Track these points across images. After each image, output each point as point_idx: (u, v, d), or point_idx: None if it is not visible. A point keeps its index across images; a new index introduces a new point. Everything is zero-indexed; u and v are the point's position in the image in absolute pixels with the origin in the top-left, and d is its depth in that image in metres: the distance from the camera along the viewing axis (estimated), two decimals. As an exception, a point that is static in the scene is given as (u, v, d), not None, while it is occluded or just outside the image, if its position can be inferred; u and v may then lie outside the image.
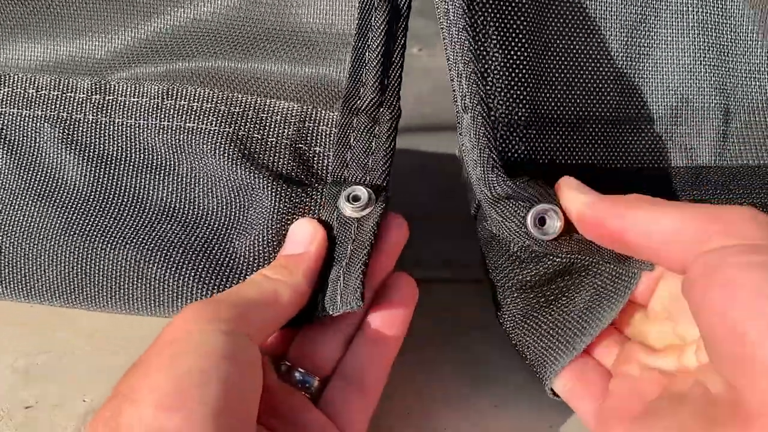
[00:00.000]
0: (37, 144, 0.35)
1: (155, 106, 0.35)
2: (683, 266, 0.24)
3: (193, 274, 0.31)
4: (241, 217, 0.32)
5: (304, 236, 0.30)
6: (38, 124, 0.35)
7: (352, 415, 0.28)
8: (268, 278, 0.28)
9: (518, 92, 0.32)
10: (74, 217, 0.33)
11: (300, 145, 0.34)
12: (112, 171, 0.34)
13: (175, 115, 0.34)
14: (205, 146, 0.34)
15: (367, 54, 0.32)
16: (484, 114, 0.30)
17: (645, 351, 0.28)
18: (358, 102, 0.33)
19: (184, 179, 0.34)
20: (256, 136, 0.34)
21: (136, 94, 0.35)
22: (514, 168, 0.31)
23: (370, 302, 0.31)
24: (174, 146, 0.34)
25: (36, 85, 0.36)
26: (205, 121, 0.34)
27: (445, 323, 0.37)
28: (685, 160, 0.35)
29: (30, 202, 0.34)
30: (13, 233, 0.33)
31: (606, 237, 0.27)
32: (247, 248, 0.32)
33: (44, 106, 0.36)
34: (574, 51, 0.34)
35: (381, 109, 0.33)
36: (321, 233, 0.30)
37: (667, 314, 0.28)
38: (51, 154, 0.35)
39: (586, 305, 0.30)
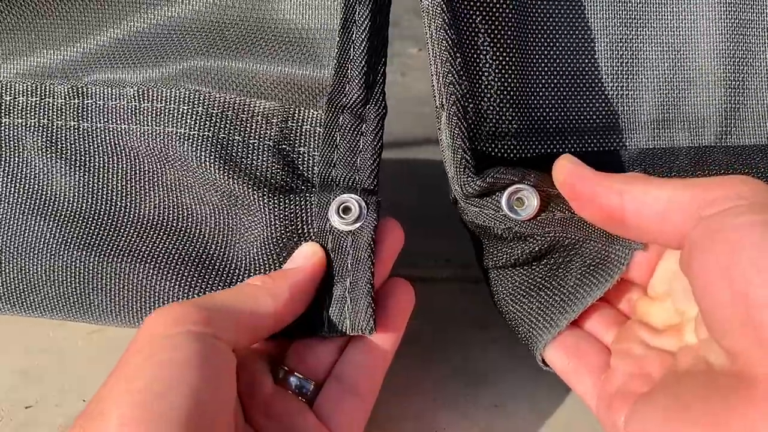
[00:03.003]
0: (21, 154, 0.34)
1: (133, 108, 0.34)
2: (680, 239, 0.24)
3: (190, 284, 0.31)
4: (234, 224, 0.32)
5: (303, 255, 0.30)
6: (19, 132, 0.34)
7: (346, 419, 0.28)
8: (249, 284, 0.28)
9: (499, 98, 0.32)
10: (66, 230, 0.32)
11: (283, 146, 0.33)
12: (100, 180, 0.34)
13: (154, 119, 0.33)
14: (187, 152, 0.33)
15: (351, 50, 0.31)
16: (459, 115, 0.30)
17: (647, 330, 0.28)
18: (344, 99, 0.32)
19: (172, 186, 0.33)
20: (236, 138, 0.33)
21: (114, 96, 0.34)
22: (492, 162, 0.31)
23: None
24: (158, 152, 0.33)
25: (12, 92, 0.35)
26: (183, 125, 0.33)
27: (444, 323, 0.37)
28: (688, 140, 0.35)
29: (20, 215, 0.33)
30: (6, 247, 0.32)
31: (599, 214, 0.27)
32: (246, 259, 0.31)
33: (24, 113, 0.34)
34: (562, 42, 0.33)
35: (367, 107, 0.32)
36: (320, 254, 0.30)
37: (668, 292, 0.28)
38: (37, 164, 0.34)
39: (575, 284, 0.30)
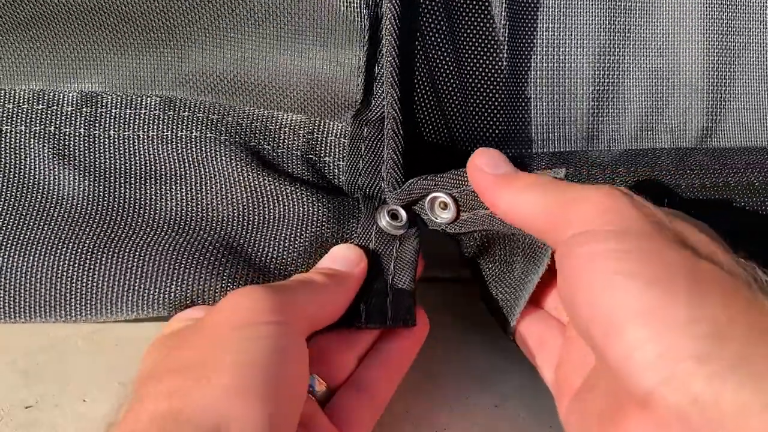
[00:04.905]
0: (25, 161, 0.34)
1: (155, 117, 0.34)
2: (552, 243, 0.26)
3: (211, 268, 0.31)
4: (264, 220, 0.32)
5: (349, 258, 0.31)
6: (22, 140, 0.34)
7: (359, 422, 0.29)
8: (315, 281, 0.29)
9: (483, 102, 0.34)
10: (76, 233, 0.32)
11: (310, 156, 0.34)
12: (112, 184, 0.34)
13: (178, 126, 0.34)
14: (216, 154, 0.33)
15: (376, 69, 0.33)
16: (395, 128, 0.31)
17: None
18: (369, 114, 0.33)
19: (194, 187, 0.33)
20: (266, 147, 0.34)
21: (132, 106, 0.34)
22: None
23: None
24: (180, 155, 0.34)
25: (16, 100, 0.35)
26: (213, 130, 0.34)
27: (445, 323, 0.37)
28: (670, 143, 0.36)
29: (26, 221, 0.33)
30: (13, 253, 0.32)
31: (495, 211, 0.29)
32: (276, 252, 0.32)
33: (28, 121, 0.34)
34: (549, 47, 0.35)
35: None
36: (365, 261, 0.31)
37: None
38: (42, 171, 0.34)
39: (520, 272, 0.31)
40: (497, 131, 0.35)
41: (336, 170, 0.34)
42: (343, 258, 0.31)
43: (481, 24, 0.34)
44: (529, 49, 0.34)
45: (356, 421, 0.29)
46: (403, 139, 0.31)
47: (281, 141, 0.34)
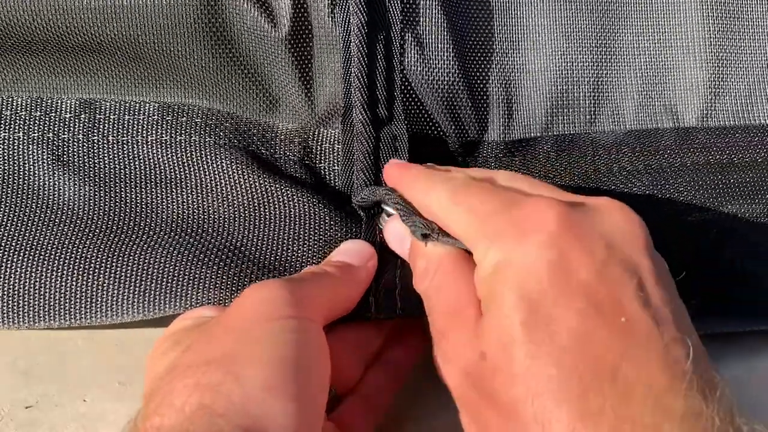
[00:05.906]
0: (24, 167, 0.34)
1: (153, 122, 0.34)
2: None
3: (216, 268, 0.31)
4: (267, 220, 0.33)
5: (361, 252, 0.31)
6: (19, 146, 0.34)
7: (360, 429, 0.29)
8: (329, 274, 0.29)
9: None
10: (79, 237, 0.32)
11: (306, 161, 0.35)
12: (112, 188, 0.34)
13: (177, 130, 0.34)
14: (216, 158, 0.34)
15: (351, 79, 0.33)
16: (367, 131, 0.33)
17: None
18: (353, 118, 0.34)
19: (195, 190, 0.34)
20: (264, 152, 0.34)
21: (130, 111, 0.34)
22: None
23: (388, 333, 0.32)
24: (179, 159, 0.34)
25: (13, 107, 0.35)
26: (212, 135, 0.34)
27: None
28: (672, 122, 0.37)
29: (28, 228, 0.33)
30: (15, 260, 0.32)
31: None
32: (284, 247, 0.32)
33: (25, 127, 0.34)
34: (547, 27, 0.36)
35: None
36: (375, 257, 0.31)
37: None
38: (42, 177, 0.34)
39: None
40: (498, 117, 0.35)
41: (332, 175, 0.35)
42: (355, 252, 0.31)
43: (480, 10, 0.35)
44: (526, 34, 0.36)
45: (357, 427, 0.29)
46: (372, 142, 0.32)
47: (278, 147, 0.35)
